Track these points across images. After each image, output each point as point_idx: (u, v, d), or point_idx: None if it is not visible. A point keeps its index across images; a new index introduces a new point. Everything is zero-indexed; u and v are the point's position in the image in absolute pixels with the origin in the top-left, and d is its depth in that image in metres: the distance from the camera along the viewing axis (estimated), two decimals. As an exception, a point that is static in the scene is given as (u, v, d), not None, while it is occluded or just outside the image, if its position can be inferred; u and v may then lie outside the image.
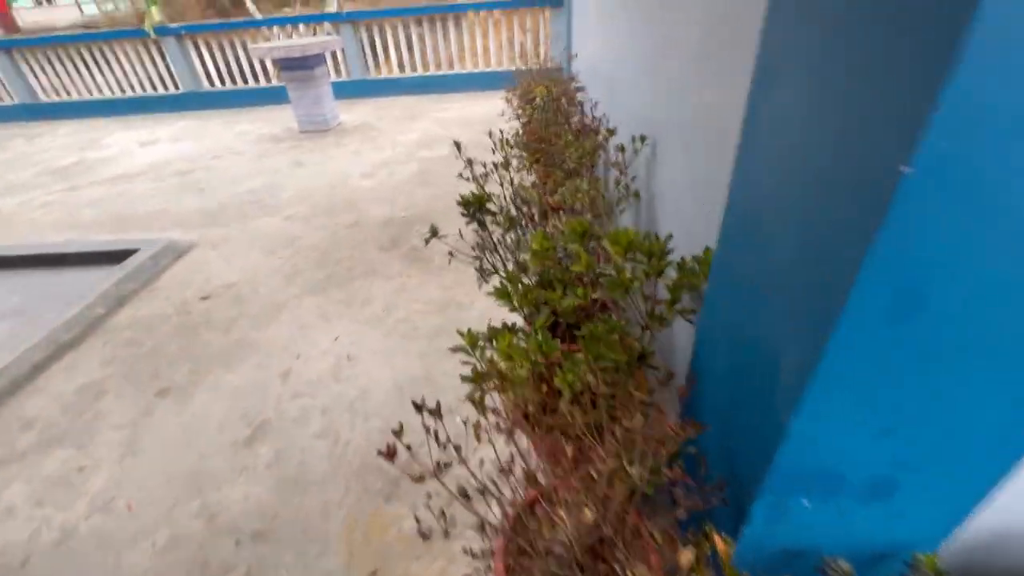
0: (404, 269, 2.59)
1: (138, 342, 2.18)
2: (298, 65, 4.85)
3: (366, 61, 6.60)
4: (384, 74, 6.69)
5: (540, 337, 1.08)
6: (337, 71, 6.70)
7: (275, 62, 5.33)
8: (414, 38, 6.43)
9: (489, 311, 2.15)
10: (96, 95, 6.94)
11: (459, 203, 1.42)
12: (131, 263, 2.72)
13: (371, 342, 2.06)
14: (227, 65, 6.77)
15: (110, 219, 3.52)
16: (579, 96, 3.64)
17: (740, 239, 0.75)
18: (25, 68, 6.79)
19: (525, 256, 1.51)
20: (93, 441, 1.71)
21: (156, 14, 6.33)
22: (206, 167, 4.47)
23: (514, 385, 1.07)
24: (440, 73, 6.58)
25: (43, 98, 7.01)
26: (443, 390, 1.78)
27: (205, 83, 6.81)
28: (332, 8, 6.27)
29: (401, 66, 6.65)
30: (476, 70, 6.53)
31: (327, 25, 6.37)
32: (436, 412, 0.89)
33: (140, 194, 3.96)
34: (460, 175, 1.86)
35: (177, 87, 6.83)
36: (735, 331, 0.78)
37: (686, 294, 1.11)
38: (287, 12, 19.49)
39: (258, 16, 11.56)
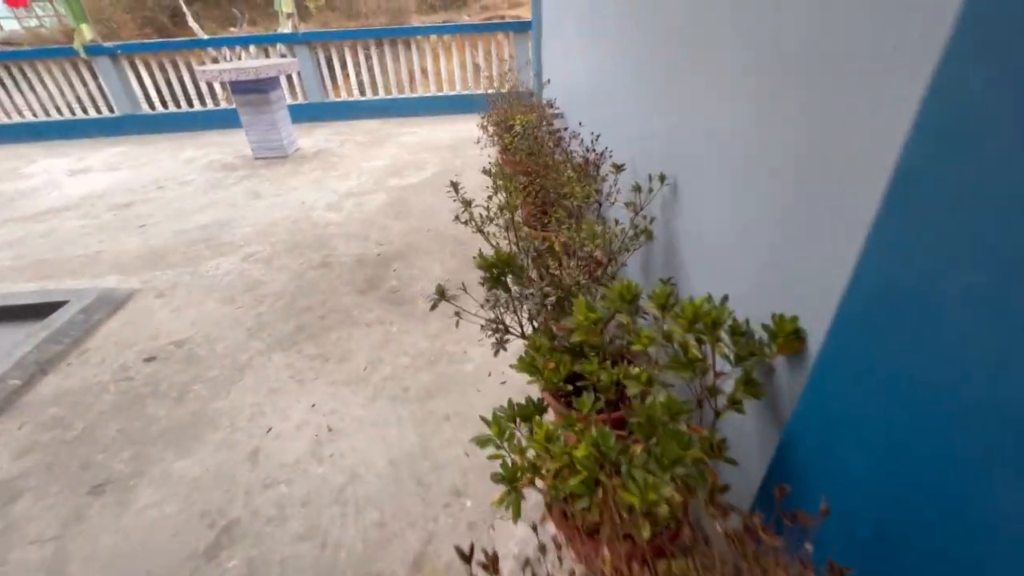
0: (385, 315, 2.33)
1: (65, 422, 1.81)
2: (251, 88, 4.52)
3: (324, 83, 6.31)
4: (344, 97, 6.41)
5: (595, 432, 0.88)
6: (293, 94, 6.36)
7: (226, 85, 4.97)
8: (374, 60, 6.21)
9: (486, 364, 1.94)
10: (16, 118, 6.27)
11: (480, 266, 1.21)
12: (57, 319, 2.32)
13: (355, 408, 1.79)
14: (169, 87, 6.30)
15: (32, 265, 3.06)
16: (556, 123, 3.54)
17: (899, 337, 0.59)
18: (-71, 89, 6.05)
19: (549, 317, 1.32)
20: (6, 563, 1.35)
21: (87, 32, 5.81)
22: (148, 199, 4.03)
23: (568, 493, 0.87)
24: (402, 96, 6.38)
25: (-49, 122, 6.26)
26: (445, 467, 1.54)
27: (144, 106, 6.29)
28: (287, 29, 5.97)
29: (361, 89, 6.41)
30: (440, 93, 6.37)
31: (280, 46, 6.06)
32: (492, 567, 0.66)
33: (69, 233, 3.50)
34: (457, 218, 1.66)
35: (112, 110, 6.28)
36: (896, 454, 0.61)
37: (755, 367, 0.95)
38: (234, 32, 18.80)
39: (203, 35, 11.03)
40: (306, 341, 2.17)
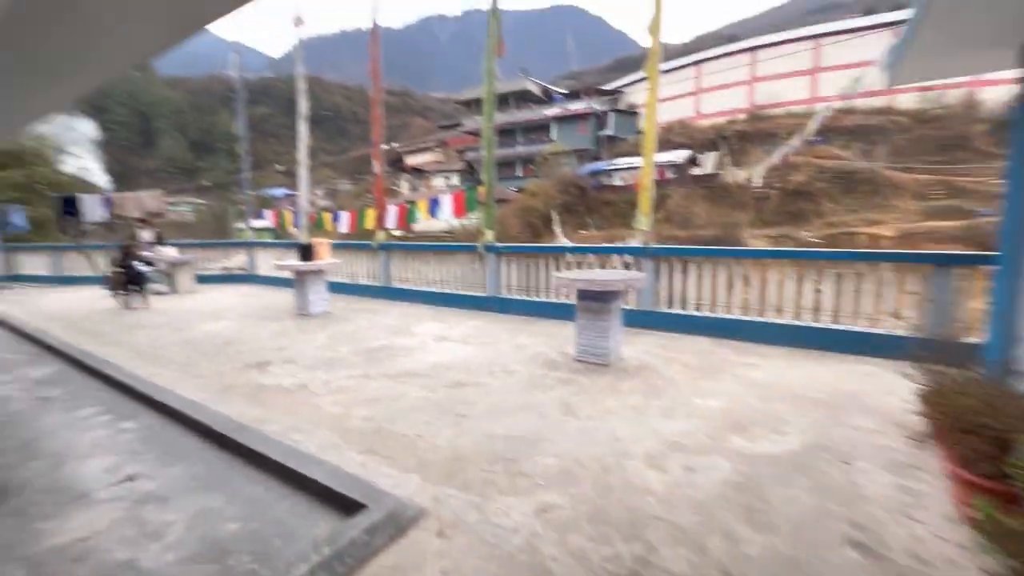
0: None
1: None
2: (595, 297, 4.53)
3: (657, 293, 6.14)
4: (676, 309, 6.03)
5: None
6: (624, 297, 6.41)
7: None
8: (720, 275, 5.70)
9: None
10: (426, 286, 8.49)
11: None
12: (344, 533, 2.10)
13: None
14: (526, 277, 7.36)
15: (372, 431, 3.28)
16: None
17: None
18: (394, 260, 8.96)
19: None
20: None
21: (489, 235, 7.55)
22: (477, 383, 4.20)
23: None
24: (746, 318, 5.50)
25: (395, 284, 8.99)
26: None
27: (504, 290, 7.50)
28: (637, 242, 6.25)
29: (698, 304, 5.90)
30: (799, 322, 5.20)
31: (627, 255, 6.33)
32: None
33: (409, 403, 3.79)
34: None
35: (484, 289, 7.73)
36: None
37: None
38: (583, 235, 22.88)
39: (563, 240, 13.36)
40: None
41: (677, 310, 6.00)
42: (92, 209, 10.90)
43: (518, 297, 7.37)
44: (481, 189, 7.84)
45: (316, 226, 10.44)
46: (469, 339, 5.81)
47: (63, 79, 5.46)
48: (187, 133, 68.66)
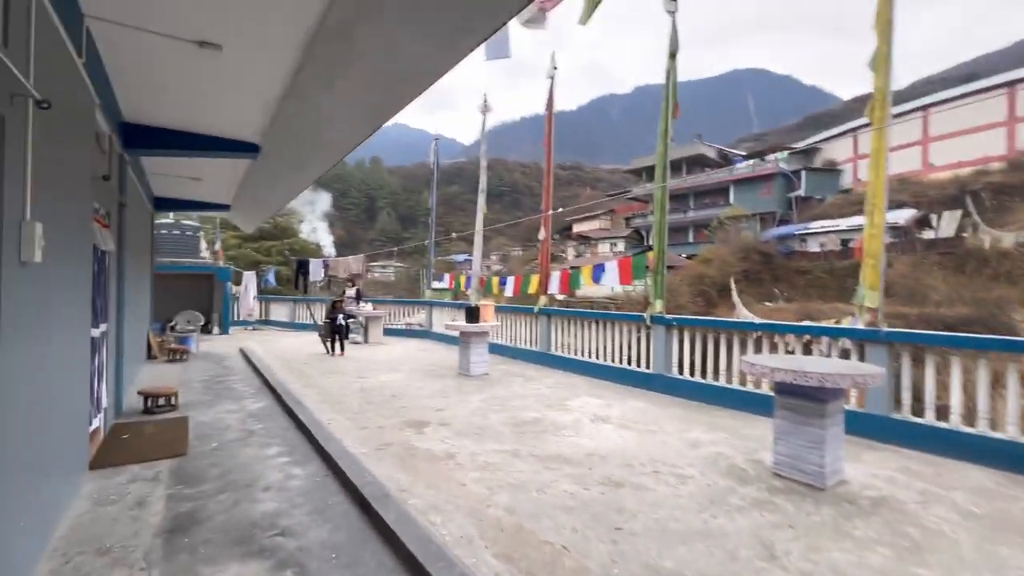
0: None
1: None
2: (805, 394, 3.46)
3: (895, 393, 4.55)
4: (928, 419, 4.35)
5: None
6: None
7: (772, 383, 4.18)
8: (1008, 375, 3.95)
9: None
10: (584, 356, 7.98)
11: None
12: None
13: None
14: (703, 355, 6.32)
15: (512, 529, 2.82)
16: None
17: None
18: (554, 325, 8.75)
19: None
20: None
21: (658, 305, 6.81)
22: (639, 486, 3.45)
23: None
24: (1065, 447, 3.62)
25: (553, 350, 8.71)
26: None
27: (674, 369, 6.55)
28: (859, 323, 4.83)
29: (967, 416, 4.16)
30: None
31: (845, 341, 4.93)
32: None
33: (558, 497, 3.25)
34: None
35: (648, 366, 6.90)
36: None
37: None
38: (769, 308, 19.78)
39: (744, 312, 11.61)
40: None
41: (930, 420, 4.31)
42: (316, 270, 13.48)
43: (690, 378, 6.34)
44: (650, 255, 7.24)
45: (485, 289, 11.01)
46: (630, 423, 5.05)
47: (307, 168, 6.77)
48: (398, 209, 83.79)
